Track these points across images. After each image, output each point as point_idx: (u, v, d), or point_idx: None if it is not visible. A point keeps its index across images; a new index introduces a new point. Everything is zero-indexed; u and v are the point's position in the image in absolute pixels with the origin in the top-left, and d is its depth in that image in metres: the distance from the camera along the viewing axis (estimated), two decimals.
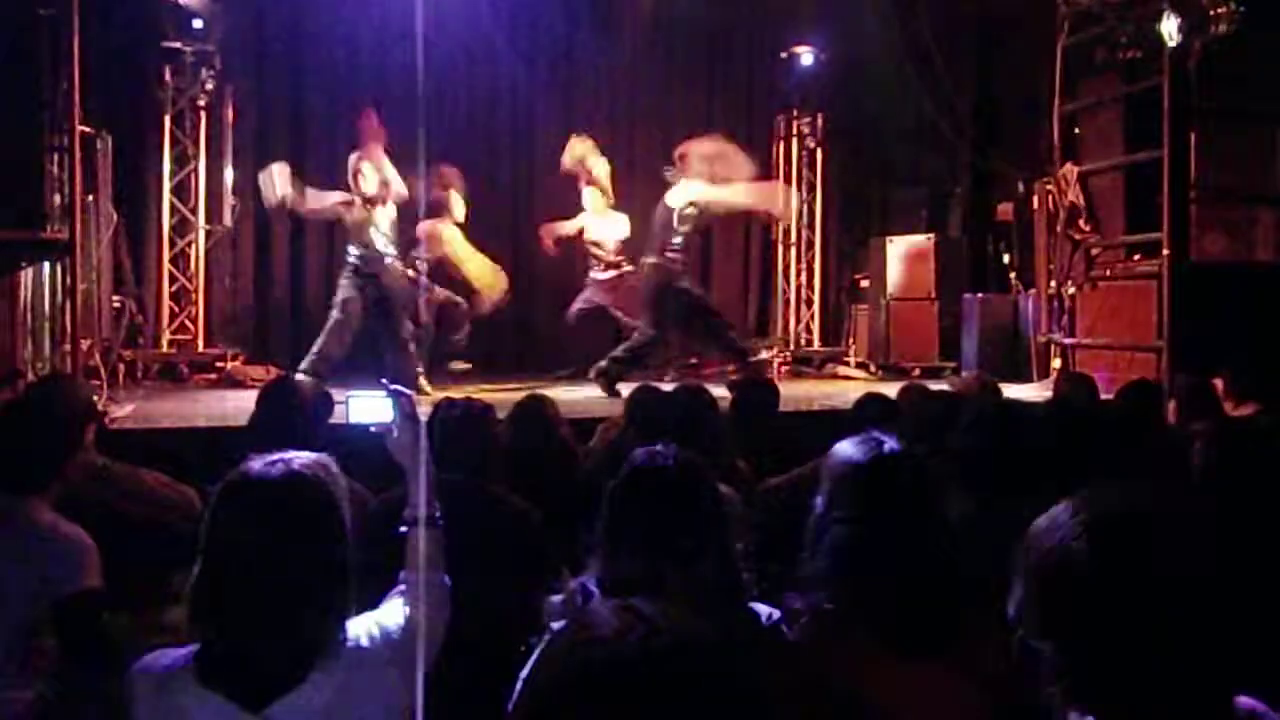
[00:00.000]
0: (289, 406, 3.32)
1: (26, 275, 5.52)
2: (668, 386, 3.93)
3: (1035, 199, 8.48)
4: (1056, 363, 8.09)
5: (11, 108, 5.05)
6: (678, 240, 7.16)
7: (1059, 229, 8.03)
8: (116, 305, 7.34)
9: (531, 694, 0.94)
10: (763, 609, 1.99)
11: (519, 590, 2.57)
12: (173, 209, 8.07)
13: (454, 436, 2.85)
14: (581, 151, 7.88)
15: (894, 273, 9.36)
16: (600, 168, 7.93)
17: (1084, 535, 1.13)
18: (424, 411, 2.22)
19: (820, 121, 10.20)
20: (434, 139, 8.53)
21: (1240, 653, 1.10)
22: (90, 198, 6.33)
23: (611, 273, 8.01)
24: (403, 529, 1.92)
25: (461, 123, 9.07)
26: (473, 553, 2.11)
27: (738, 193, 7.32)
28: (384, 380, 2.17)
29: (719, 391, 4.26)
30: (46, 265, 5.63)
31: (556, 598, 2.10)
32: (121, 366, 7.22)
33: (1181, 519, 1.15)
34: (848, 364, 9.74)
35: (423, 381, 6.85)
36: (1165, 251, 6.94)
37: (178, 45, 7.82)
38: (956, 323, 8.98)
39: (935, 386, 4.79)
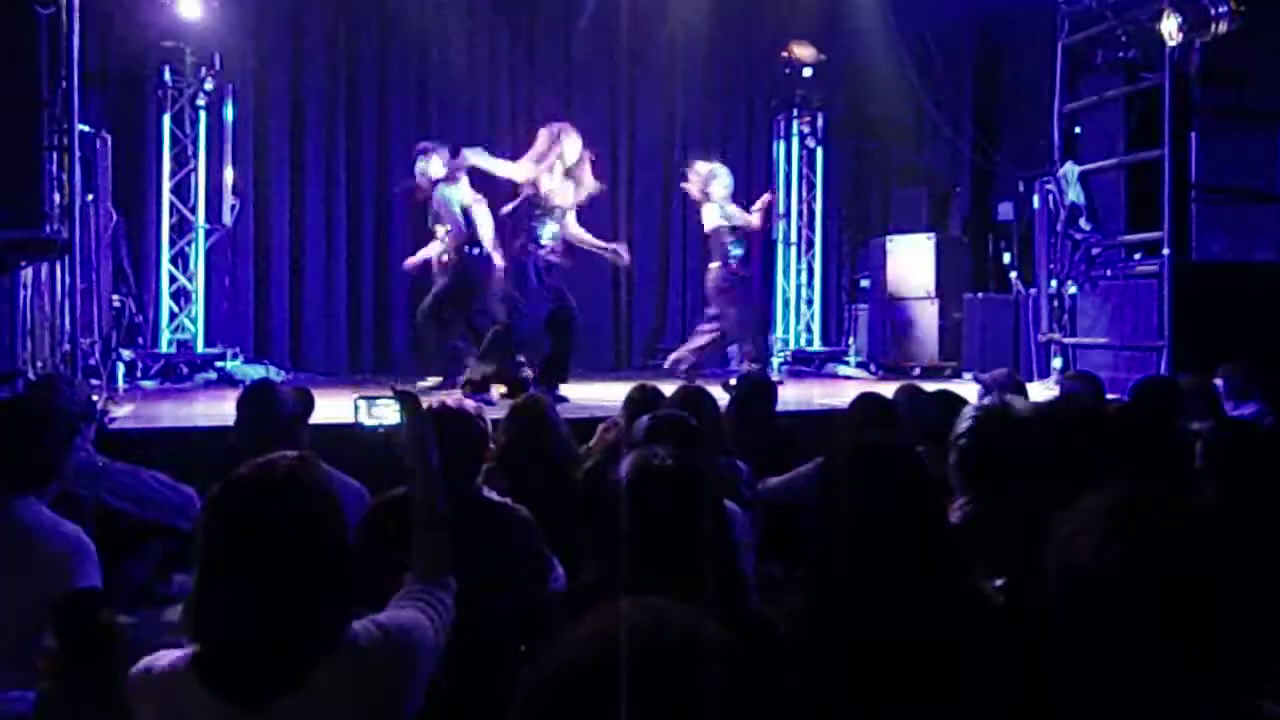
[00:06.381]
0: (269, 409, 3.32)
1: (26, 275, 5.51)
2: (668, 387, 3.92)
3: (1035, 199, 8.48)
4: (1057, 363, 8.09)
5: (11, 108, 5.03)
6: None
7: (1059, 229, 8.03)
8: (116, 305, 7.33)
9: (530, 695, 0.94)
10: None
11: (517, 593, 2.56)
12: (173, 209, 8.06)
13: (444, 442, 2.83)
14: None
15: (894, 273, 9.35)
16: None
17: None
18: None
19: (820, 121, 10.19)
20: (432, 139, 8.54)
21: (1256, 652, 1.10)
22: (90, 198, 6.31)
23: None
24: (411, 530, 1.92)
25: (461, 123, 9.05)
26: (470, 556, 2.11)
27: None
28: (391, 383, 2.18)
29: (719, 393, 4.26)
30: (46, 265, 5.62)
31: (556, 598, 2.10)
32: (121, 366, 7.21)
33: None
34: (848, 364, 9.74)
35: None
36: (1165, 251, 6.94)
37: (177, 45, 7.81)
38: (956, 323, 8.98)
39: (947, 387, 4.77)
